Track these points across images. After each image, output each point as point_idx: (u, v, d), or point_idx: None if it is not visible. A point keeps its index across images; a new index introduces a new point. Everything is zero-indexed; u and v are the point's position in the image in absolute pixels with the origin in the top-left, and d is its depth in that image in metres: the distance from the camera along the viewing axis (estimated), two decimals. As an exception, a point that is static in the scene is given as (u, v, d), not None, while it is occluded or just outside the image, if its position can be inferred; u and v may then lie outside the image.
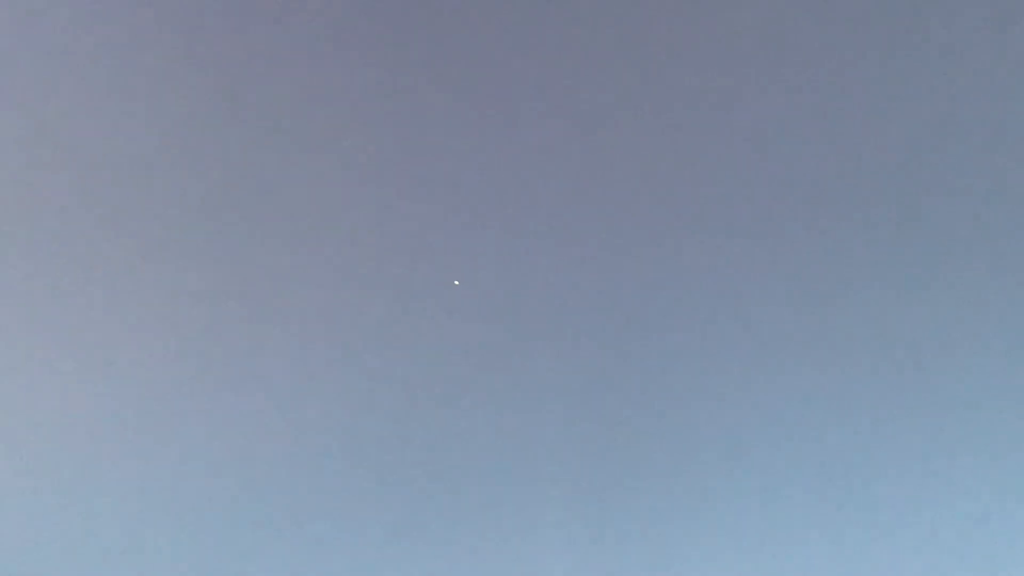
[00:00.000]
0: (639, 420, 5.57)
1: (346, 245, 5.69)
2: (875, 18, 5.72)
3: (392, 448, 5.53)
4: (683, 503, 5.50)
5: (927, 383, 5.54)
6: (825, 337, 5.61)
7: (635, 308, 5.67)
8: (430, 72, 5.78)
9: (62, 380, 5.47)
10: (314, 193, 5.69)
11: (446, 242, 5.69)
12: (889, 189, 5.69)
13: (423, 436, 5.54)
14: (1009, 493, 5.37)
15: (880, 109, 5.72)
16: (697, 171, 5.77)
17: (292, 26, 5.72)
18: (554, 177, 5.76)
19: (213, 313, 5.61)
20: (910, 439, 5.49)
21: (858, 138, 5.72)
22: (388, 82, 5.73)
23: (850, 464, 5.48)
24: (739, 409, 5.57)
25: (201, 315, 5.59)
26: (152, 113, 5.64)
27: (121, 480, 5.43)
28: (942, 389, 5.53)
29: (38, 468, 5.39)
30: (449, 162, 5.77)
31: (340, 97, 5.74)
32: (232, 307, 5.61)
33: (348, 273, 5.67)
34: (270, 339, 5.59)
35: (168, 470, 5.45)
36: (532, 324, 5.65)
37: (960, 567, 5.32)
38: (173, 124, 5.65)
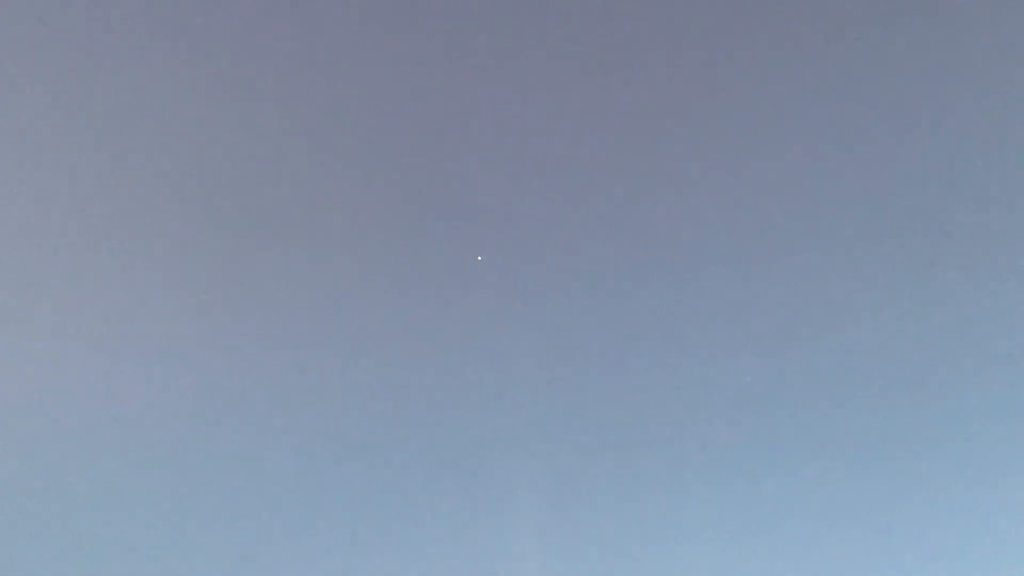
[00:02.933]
0: (617, 415, 5.58)
1: (343, 245, 5.70)
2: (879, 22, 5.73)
3: (368, 443, 5.53)
4: (660, 499, 5.51)
5: (926, 384, 5.57)
6: (811, 336, 5.61)
7: (613, 304, 5.67)
8: (430, 74, 5.78)
9: (60, 377, 5.47)
10: (314, 192, 5.70)
11: (435, 243, 5.70)
12: (888, 191, 5.70)
13: (399, 431, 5.54)
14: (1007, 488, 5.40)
15: (881, 111, 5.73)
16: (696, 177, 5.77)
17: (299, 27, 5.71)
18: (540, 182, 5.75)
19: (211, 312, 5.61)
20: (909, 444, 5.52)
21: (857, 141, 5.74)
22: (393, 83, 5.73)
23: (834, 467, 5.48)
24: (724, 405, 5.57)
25: (199, 313, 5.60)
26: (158, 110, 5.62)
27: (120, 478, 5.43)
28: (941, 390, 5.56)
29: (37, 466, 5.39)
30: (451, 163, 5.77)
31: (346, 96, 5.72)
32: (232, 305, 5.61)
33: (340, 273, 5.67)
34: (262, 338, 5.60)
35: (164, 468, 5.46)
36: (509, 322, 5.65)
37: (959, 565, 5.35)
38: (179, 120, 5.64)
